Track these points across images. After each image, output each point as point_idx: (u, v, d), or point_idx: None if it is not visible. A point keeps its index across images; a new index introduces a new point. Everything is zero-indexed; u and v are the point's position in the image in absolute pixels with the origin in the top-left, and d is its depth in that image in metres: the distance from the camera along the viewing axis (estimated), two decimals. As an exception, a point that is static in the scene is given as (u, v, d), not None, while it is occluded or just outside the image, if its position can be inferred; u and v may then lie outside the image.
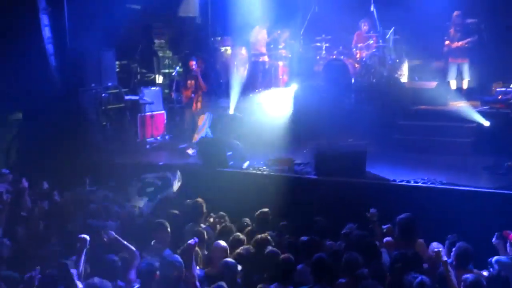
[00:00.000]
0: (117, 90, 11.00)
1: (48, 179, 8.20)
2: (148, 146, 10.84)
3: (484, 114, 9.40)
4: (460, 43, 11.11)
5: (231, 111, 10.79)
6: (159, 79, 13.06)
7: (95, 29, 10.64)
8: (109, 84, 10.92)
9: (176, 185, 8.27)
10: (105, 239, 5.85)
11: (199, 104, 11.19)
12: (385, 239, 6.04)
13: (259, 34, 12.54)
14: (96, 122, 10.55)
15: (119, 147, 10.40)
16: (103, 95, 10.65)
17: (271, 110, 10.93)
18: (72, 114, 10.18)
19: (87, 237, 5.35)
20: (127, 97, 11.07)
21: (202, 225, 6.79)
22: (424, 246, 5.86)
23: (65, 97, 10.21)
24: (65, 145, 9.62)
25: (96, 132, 10.50)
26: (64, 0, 10.16)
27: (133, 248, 5.79)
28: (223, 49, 12.74)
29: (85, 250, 5.31)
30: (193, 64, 11.13)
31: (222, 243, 6.00)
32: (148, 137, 11.15)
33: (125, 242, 5.81)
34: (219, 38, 12.85)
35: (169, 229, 6.20)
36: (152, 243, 6.12)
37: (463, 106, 9.89)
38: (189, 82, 11.10)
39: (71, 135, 9.89)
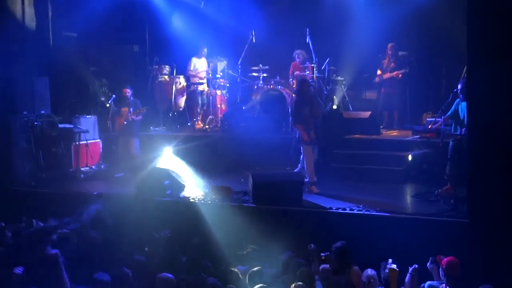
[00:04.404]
0: (51, 118, 10.72)
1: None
2: (82, 176, 10.56)
3: (415, 143, 9.75)
4: (391, 74, 11.54)
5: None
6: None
7: (28, 56, 10.40)
8: (42, 112, 10.62)
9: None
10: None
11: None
12: (321, 266, 6.10)
13: (198, 63, 12.59)
14: (27, 151, 10.22)
15: (51, 176, 10.11)
16: (36, 123, 10.36)
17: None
18: (1, 142, 9.84)
19: None
20: (61, 126, 10.79)
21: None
22: (360, 273, 5.93)
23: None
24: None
25: (27, 161, 10.17)
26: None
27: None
28: (161, 78, 12.69)
29: None
30: (127, 91, 11.03)
31: (168, 274, 5.88)
32: (83, 166, 10.87)
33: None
34: (157, 67, 12.80)
35: None
36: None
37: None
38: (123, 109, 10.98)
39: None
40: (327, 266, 6.07)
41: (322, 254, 6.20)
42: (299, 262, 5.92)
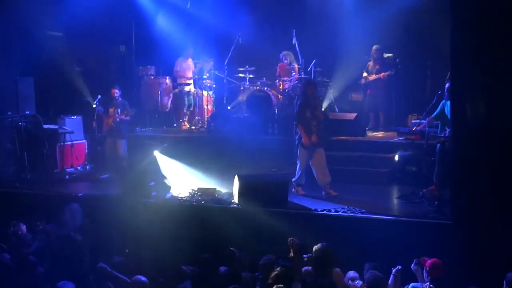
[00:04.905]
0: (35, 119, 10.65)
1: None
2: (67, 177, 10.51)
3: (400, 145, 9.80)
4: (376, 76, 11.59)
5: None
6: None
7: (12, 56, 10.32)
8: (27, 112, 10.56)
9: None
10: None
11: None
12: (304, 268, 6.09)
13: (184, 64, 12.57)
14: (11, 152, 10.14)
15: (36, 177, 10.04)
16: (20, 123, 10.29)
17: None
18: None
19: None
20: (46, 126, 10.74)
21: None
22: (341, 275, 5.94)
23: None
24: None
25: (12, 162, 10.09)
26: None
27: None
28: (147, 78, 12.64)
29: None
30: (116, 92, 10.97)
31: (142, 278, 5.82)
32: (68, 167, 10.83)
33: None
34: (142, 67, 12.76)
35: None
36: None
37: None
38: (110, 110, 10.93)
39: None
40: (309, 268, 6.06)
41: (304, 256, 6.19)
42: (280, 265, 5.90)
